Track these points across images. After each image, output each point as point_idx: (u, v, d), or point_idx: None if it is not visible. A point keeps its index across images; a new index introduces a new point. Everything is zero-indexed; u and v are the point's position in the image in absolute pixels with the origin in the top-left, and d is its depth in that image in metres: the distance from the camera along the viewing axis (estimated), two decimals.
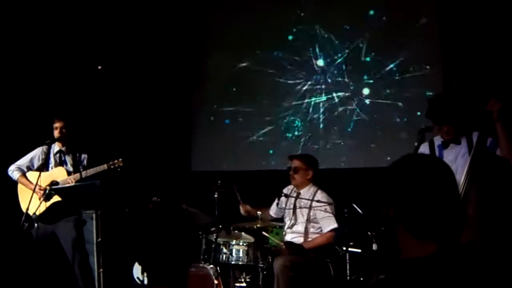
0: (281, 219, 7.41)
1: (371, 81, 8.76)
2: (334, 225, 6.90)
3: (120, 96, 9.69)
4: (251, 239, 7.04)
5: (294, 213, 7.19)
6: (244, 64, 9.80)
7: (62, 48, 9.10)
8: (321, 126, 9.13)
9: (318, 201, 6.93)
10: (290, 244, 6.91)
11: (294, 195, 7.24)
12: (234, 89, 9.91)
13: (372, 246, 6.53)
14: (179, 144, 10.19)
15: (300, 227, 7.10)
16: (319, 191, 7.13)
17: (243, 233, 7.25)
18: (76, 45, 9.19)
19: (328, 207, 6.93)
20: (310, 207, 7.04)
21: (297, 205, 7.18)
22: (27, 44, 8.84)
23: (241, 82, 9.86)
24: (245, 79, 9.81)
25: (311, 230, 7.06)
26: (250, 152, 9.63)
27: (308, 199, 7.04)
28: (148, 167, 9.42)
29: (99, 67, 7.93)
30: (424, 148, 5.41)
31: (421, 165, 2.35)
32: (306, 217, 7.07)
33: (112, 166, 7.17)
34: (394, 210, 2.32)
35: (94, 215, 7.87)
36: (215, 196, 7.21)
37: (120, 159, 7.19)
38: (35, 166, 7.32)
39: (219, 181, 7.28)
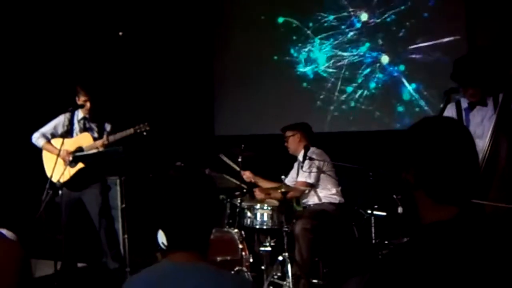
0: None
1: (395, 45, 8.76)
2: (308, 179, 7.01)
3: (142, 61, 9.62)
4: (275, 203, 7.02)
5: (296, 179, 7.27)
6: (271, 20, 9.79)
7: (82, 16, 9.03)
8: (348, 87, 9.15)
9: (310, 158, 6.96)
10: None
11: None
12: (258, 48, 9.90)
13: (397, 209, 6.52)
14: (202, 108, 10.20)
15: None
16: (311, 150, 7.11)
17: None
18: (97, 12, 9.18)
19: (318, 165, 7.03)
20: (303, 171, 7.09)
21: (299, 171, 7.23)
22: (49, 12, 8.79)
23: (266, 40, 9.84)
24: (271, 38, 9.79)
25: (315, 191, 7.17)
26: (275, 115, 9.49)
27: (301, 160, 7.05)
28: (171, 132, 9.42)
29: (120, 34, 7.83)
30: (450, 110, 5.33)
31: (439, 128, 2.32)
32: None
33: (138, 130, 7.09)
34: (413, 174, 2.29)
35: (118, 181, 7.87)
36: (239, 160, 7.26)
37: (146, 123, 7.10)
38: (59, 133, 7.28)
39: (242, 145, 7.26)
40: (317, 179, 7.10)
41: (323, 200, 7.08)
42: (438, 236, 2.20)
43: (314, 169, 7.03)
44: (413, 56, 8.57)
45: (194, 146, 9.27)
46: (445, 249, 2.15)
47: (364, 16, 9.00)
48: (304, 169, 6.98)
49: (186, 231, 2.65)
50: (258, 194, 7.19)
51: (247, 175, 7.37)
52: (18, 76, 8.57)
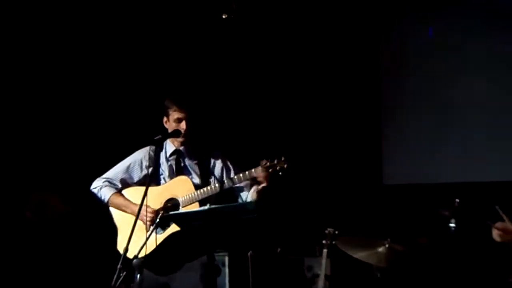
0: None
1: None
2: None
3: (267, 64, 8.22)
4: None
5: None
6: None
7: None
8: None
9: None
10: None
11: None
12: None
13: None
14: (364, 148, 8.69)
15: None
16: None
17: None
18: None
19: None
20: None
21: None
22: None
23: (447, 69, 8.50)
24: (452, 65, 8.49)
25: None
26: (464, 158, 8.24)
27: None
28: (318, 181, 8.05)
29: (224, 16, 6.77)
30: None
31: None
32: None
33: (270, 170, 5.31)
34: None
35: (226, 260, 6.43)
36: (452, 225, 5.53)
37: (283, 159, 5.32)
38: (135, 179, 5.54)
39: (456, 200, 5.56)
40: None
41: None
42: None
43: None
44: None
45: (353, 199, 7.96)
46: None
47: None
48: None
49: None
50: None
51: None
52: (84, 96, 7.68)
